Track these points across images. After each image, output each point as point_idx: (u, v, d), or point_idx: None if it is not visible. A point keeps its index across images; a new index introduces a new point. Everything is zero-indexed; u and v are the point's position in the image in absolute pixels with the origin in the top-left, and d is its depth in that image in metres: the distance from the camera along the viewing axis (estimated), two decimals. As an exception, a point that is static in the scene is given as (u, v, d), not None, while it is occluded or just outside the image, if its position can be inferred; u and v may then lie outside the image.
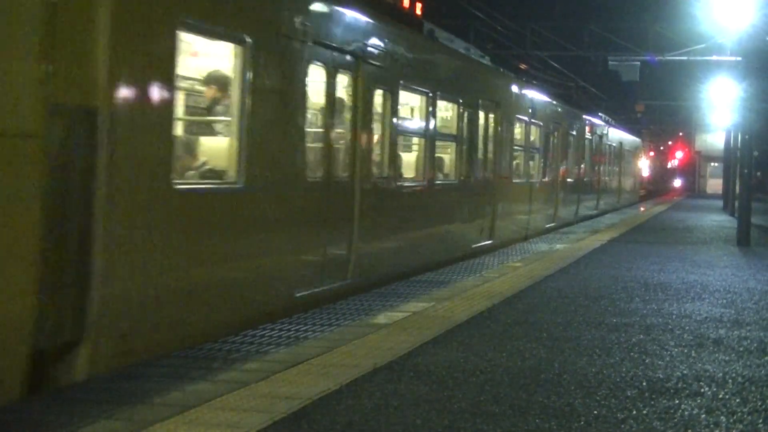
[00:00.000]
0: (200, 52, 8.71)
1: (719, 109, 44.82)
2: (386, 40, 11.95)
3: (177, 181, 7.34)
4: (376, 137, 11.84)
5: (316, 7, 9.99)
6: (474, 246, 16.54)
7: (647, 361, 7.47)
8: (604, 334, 8.59)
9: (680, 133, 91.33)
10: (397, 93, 12.37)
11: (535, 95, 22.09)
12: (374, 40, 11.45)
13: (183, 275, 7.40)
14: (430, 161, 14.02)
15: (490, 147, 17.49)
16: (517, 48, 34.49)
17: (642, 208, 40.50)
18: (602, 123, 34.01)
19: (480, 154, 16.83)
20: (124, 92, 6.58)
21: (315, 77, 9.82)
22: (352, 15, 10.93)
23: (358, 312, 10.57)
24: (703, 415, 5.87)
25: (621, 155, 38.74)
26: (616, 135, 37.76)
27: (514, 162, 19.95)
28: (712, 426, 5.65)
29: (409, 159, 14.03)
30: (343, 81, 10.63)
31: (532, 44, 34.83)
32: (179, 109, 8.04)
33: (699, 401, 6.23)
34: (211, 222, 7.80)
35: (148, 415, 5.94)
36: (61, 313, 6.01)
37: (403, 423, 5.45)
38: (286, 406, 5.64)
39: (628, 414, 5.82)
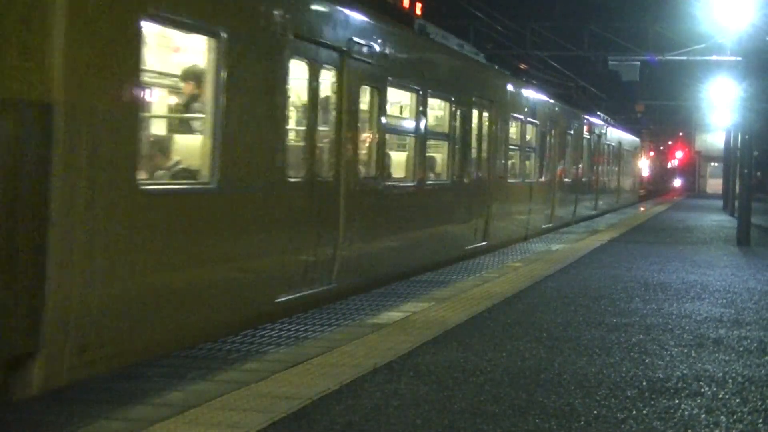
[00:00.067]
0: (171, 45, 8.43)
1: (719, 109, 44.85)
2: (374, 35, 11.54)
3: (143, 182, 7.01)
4: (362, 136, 11.48)
5: None
6: (468, 247, 16.24)
7: (647, 361, 7.47)
8: (604, 334, 8.59)
9: (680, 133, 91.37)
10: (385, 90, 12.00)
11: (532, 94, 21.90)
12: (361, 35, 11.00)
13: (150, 281, 7.02)
14: (420, 161, 13.64)
15: (484, 146, 17.18)
16: (517, 48, 34.46)
17: (642, 208, 40.51)
18: (601, 122, 33.99)
19: (473, 154, 16.53)
20: (83, 86, 6.19)
21: (296, 73, 9.48)
22: (336, 8, 10.54)
23: (358, 312, 10.57)
24: (703, 415, 5.87)
25: (620, 155, 38.71)
26: (615, 134, 37.74)
27: (510, 162, 19.66)
28: (712, 426, 5.65)
29: (398, 158, 13.70)
30: (327, 77, 10.24)
31: (532, 44, 34.80)
32: (146, 106, 7.69)
33: (699, 401, 6.23)
34: (181, 224, 7.43)
35: (148, 415, 5.93)
36: (12, 324, 5.67)
37: (403, 423, 5.45)
38: (286, 406, 5.64)
39: (628, 414, 5.83)
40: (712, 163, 71.26)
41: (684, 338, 8.53)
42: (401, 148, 14.21)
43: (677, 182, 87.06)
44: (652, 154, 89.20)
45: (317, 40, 9.84)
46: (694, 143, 77.82)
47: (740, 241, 20.02)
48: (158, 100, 8.81)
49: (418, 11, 17.10)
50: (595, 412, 5.85)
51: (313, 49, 9.76)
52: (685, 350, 7.97)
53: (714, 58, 33.92)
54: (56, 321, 5.97)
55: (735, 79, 28.93)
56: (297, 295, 9.47)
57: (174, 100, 8.93)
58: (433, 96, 14.27)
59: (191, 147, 8.23)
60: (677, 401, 6.20)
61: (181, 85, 8.63)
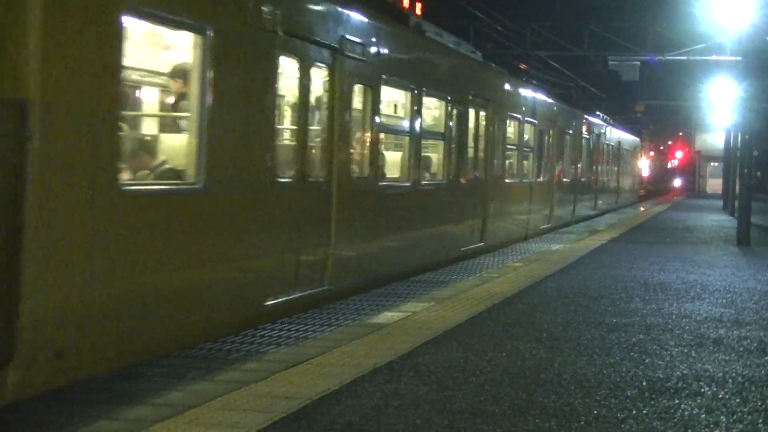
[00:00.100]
0: (154, 42, 8.27)
1: (719, 109, 44.85)
2: (367, 33, 11.32)
3: (124, 182, 6.85)
4: (356, 135, 11.31)
5: None
6: (464, 249, 16.04)
7: (647, 360, 7.47)
8: (604, 334, 8.58)
9: (680, 133, 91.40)
10: (379, 88, 11.80)
11: (530, 93, 21.78)
12: (354, 33, 10.79)
13: (131, 284, 6.81)
14: (415, 160, 13.44)
15: (481, 146, 17.01)
16: (517, 48, 34.47)
17: (642, 208, 40.52)
18: (600, 122, 34.00)
19: (470, 153, 16.35)
20: (60, 83, 6.00)
21: (286, 71, 9.35)
22: (328, 4, 10.36)
23: (358, 312, 10.58)
24: (703, 415, 5.87)
25: (619, 155, 38.72)
26: (615, 134, 37.74)
27: (507, 161, 19.49)
28: (712, 426, 5.65)
29: (392, 158, 13.53)
30: (318, 75, 10.05)
31: (532, 44, 34.81)
32: (127, 104, 7.58)
33: (699, 401, 6.23)
34: (165, 226, 7.24)
35: (148, 415, 5.94)
36: None
37: (403, 423, 5.45)
38: (286, 406, 5.64)
39: (628, 414, 5.82)
40: (712, 163, 71.28)
41: (684, 338, 8.53)
42: (396, 147, 14.03)
43: (677, 182, 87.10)
44: (652, 154, 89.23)
45: (308, 37, 9.66)
46: (694, 143, 77.83)
47: (740, 241, 20.03)
48: (141, 99, 8.65)
49: (418, 11, 17.06)
50: (595, 412, 5.85)
51: (303, 46, 9.57)
52: (685, 350, 7.97)
53: (714, 58, 33.95)
54: (31, 327, 5.80)
55: (735, 79, 28.94)
56: (287, 297, 9.28)
57: (159, 98, 8.75)
58: (429, 95, 14.09)
59: (176, 146, 8.07)
60: (677, 401, 6.20)
61: (166, 83, 8.47)
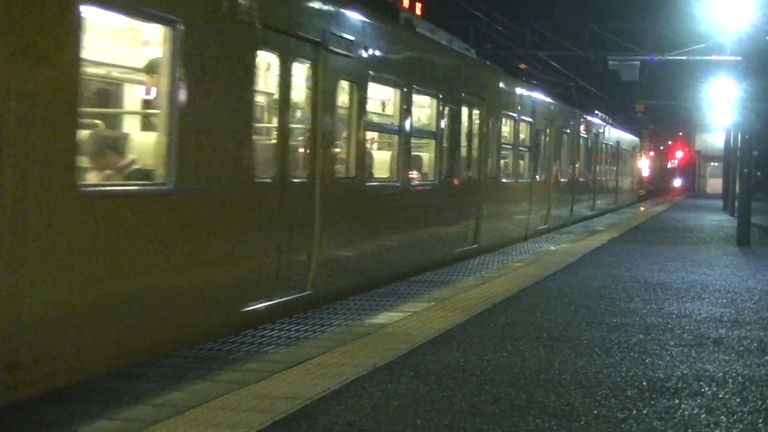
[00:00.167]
0: (120, 34, 7.95)
1: (719, 109, 44.88)
2: (353, 27, 10.92)
3: (84, 183, 6.48)
4: (341, 134, 10.96)
5: None
6: (457, 250, 15.71)
7: (647, 360, 7.47)
8: (604, 334, 8.58)
9: (680, 133, 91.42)
10: (366, 85, 11.39)
11: (526, 91, 21.49)
12: (339, 26, 10.41)
13: (91, 293, 6.43)
14: (405, 160, 13.00)
15: (475, 145, 16.64)
16: (517, 48, 34.48)
17: (641, 208, 40.53)
18: (599, 121, 33.98)
19: (463, 153, 15.98)
20: (11, 77, 5.62)
21: (265, 66, 9.06)
22: None
23: (358, 312, 10.58)
24: (703, 415, 5.87)
25: (618, 154, 38.70)
26: (614, 134, 37.74)
27: (502, 161, 19.15)
28: (712, 426, 5.65)
29: (381, 157, 13.18)
30: (300, 71, 9.68)
31: (532, 44, 34.81)
32: (88, 99, 7.22)
33: (699, 401, 6.23)
34: (130, 229, 6.84)
35: (148, 415, 5.93)
36: None
37: (403, 423, 5.45)
38: (286, 406, 5.64)
39: (628, 414, 5.82)
40: (712, 163, 71.32)
41: (684, 338, 8.53)
42: (385, 146, 13.71)
43: (677, 182, 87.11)
44: (652, 153, 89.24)
45: (289, 30, 9.29)
46: (694, 143, 77.88)
47: (740, 241, 20.03)
48: (106, 94, 8.32)
49: (418, 11, 17.03)
50: (595, 412, 5.85)
51: (284, 40, 9.21)
52: (685, 350, 7.97)
53: (714, 58, 33.95)
54: None
55: (735, 79, 28.94)
56: (267, 303, 8.93)
57: (126, 95, 8.45)
58: (419, 92, 13.69)
59: (145, 145, 7.73)
60: (677, 401, 6.20)
61: (135, 78, 8.17)
